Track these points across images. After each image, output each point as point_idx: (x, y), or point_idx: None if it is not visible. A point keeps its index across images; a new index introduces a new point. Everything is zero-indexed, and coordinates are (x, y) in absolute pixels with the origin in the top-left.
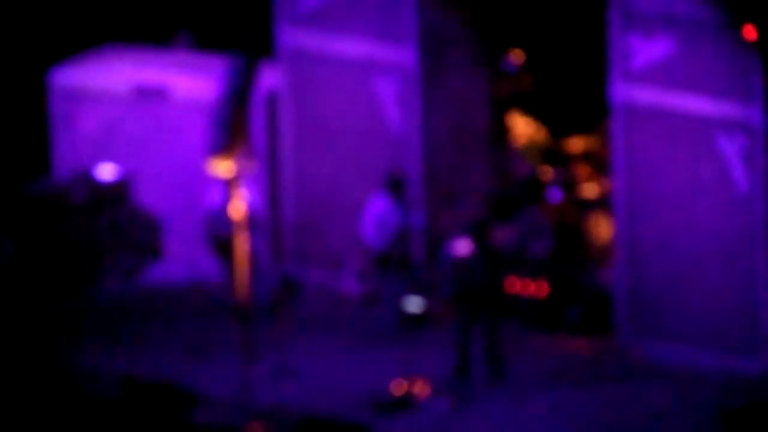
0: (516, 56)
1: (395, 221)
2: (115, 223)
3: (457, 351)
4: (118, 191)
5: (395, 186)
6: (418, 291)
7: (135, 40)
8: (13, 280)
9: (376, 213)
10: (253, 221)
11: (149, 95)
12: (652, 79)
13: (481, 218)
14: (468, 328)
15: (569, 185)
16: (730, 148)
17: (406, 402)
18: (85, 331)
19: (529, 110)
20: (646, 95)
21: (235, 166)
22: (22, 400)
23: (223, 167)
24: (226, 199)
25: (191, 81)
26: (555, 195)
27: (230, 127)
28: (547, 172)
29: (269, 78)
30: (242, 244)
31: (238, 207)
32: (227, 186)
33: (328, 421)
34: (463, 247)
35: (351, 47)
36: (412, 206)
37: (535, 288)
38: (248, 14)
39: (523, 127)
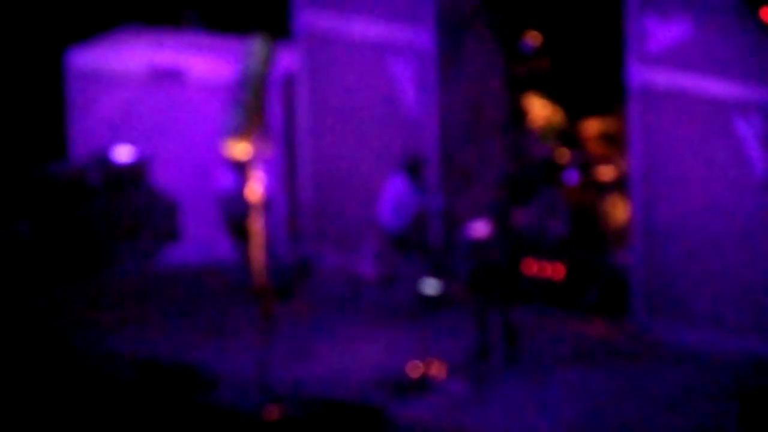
0: (533, 38)
1: (413, 203)
2: (131, 205)
3: (476, 333)
4: (134, 173)
5: (413, 168)
6: (435, 273)
7: (151, 22)
8: (29, 262)
9: (394, 195)
10: (267, 203)
11: (165, 77)
12: (669, 62)
13: (503, 199)
14: (485, 310)
15: (586, 167)
16: (747, 130)
17: (423, 384)
18: (102, 313)
19: (546, 92)
20: (662, 77)
21: (252, 149)
22: (37, 383)
23: (239, 149)
24: (240, 180)
25: (207, 62)
26: (572, 177)
27: (247, 109)
28: (564, 154)
29: (286, 60)
30: (257, 226)
31: (254, 189)
32: (240, 168)
33: (344, 403)
34: (481, 228)
35: (368, 29)
36: (429, 188)
37: (552, 270)
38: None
39: (539, 109)
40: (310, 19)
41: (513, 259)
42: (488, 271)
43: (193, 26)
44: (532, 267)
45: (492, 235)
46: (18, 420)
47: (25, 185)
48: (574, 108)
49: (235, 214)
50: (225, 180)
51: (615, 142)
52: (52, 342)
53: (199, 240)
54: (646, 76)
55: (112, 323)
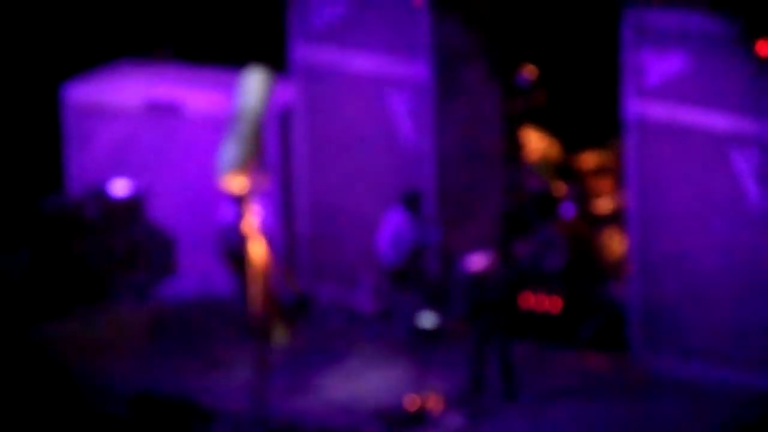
0: (529, 72)
1: (411, 237)
2: (128, 238)
3: (472, 366)
4: (131, 207)
5: (412, 202)
6: (432, 306)
7: (147, 55)
8: (27, 294)
9: (392, 229)
10: (266, 237)
11: (161, 111)
12: (666, 95)
13: (503, 232)
14: (482, 344)
15: (582, 200)
16: (744, 163)
17: (420, 417)
18: (99, 347)
19: (543, 125)
20: (659, 111)
21: (249, 182)
22: (33, 418)
23: (236, 183)
24: (239, 213)
25: (204, 96)
26: (568, 210)
27: (244, 143)
28: (561, 187)
29: (283, 93)
30: (254, 259)
31: (251, 222)
32: (239, 201)
33: None
34: (479, 261)
35: (364, 62)
36: (426, 222)
37: (549, 303)
38: (263, 30)
39: (536, 143)
40: (306, 53)
41: (511, 292)
42: (486, 305)
43: (169, 59)
44: (530, 300)
45: (491, 268)
46: None
47: (23, 218)
48: (571, 141)
49: (234, 246)
50: (226, 213)
51: (612, 175)
52: (50, 375)
53: (196, 274)
54: (642, 109)
55: (109, 357)
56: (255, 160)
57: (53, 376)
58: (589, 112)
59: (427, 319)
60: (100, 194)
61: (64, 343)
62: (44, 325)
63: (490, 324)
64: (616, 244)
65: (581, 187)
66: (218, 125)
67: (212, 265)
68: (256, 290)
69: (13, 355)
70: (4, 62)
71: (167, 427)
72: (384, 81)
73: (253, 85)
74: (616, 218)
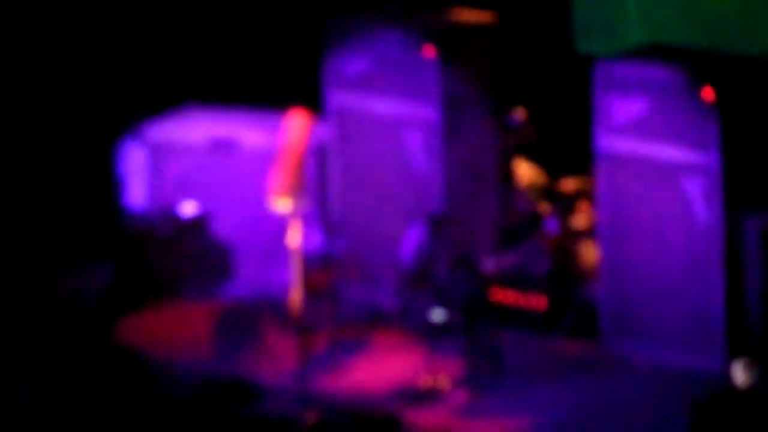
0: (519, 113)
1: (427, 250)
2: (194, 249)
3: (467, 352)
4: (196, 224)
5: (437, 224)
6: (440, 305)
7: (210, 99)
8: (113, 294)
9: (413, 242)
10: (308, 248)
11: (222, 147)
12: (629, 132)
13: (469, 249)
14: (471, 333)
15: (563, 217)
16: (693, 187)
17: (431, 394)
18: (170, 338)
19: (531, 156)
20: (624, 145)
21: (293, 204)
22: (115, 400)
23: (283, 205)
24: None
25: (257, 134)
26: (552, 226)
27: (289, 172)
28: (545, 207)
29: (320, 132)
30: (298, 266)
31: (295, 238)
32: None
33: (367, 410)
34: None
35: (385, 106)
36: (442, 239)
37: (536, 301)
38: (304, 80)
39: (525, 171)
40: (338, 99)
41: (482, 293)
42: (478, 301)
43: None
44: (520, 299)
45: (465, 275)
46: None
47: (108, 235)
48: (554, 169)
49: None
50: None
51: (586, 197)
52: (129, 362)
53: (249, 278)
54: (611, 143)
55: (179, 346)
56: (298, 186)
57: (132, 363)
58: (568, 146)
59: (437, 315)
60: (172, 214)
61: (142, 335)
62: (126, 320)
63: (472, 317)
64: (590, 253)
65: (562, 206)
66: (268, 158)
67: (263, 270)
68: (300, 290)
69: (101, 346)
70: (90, 106)
71: (226, 403)
72: (401, 122)
73: (296, 125)
74: (590, 232)
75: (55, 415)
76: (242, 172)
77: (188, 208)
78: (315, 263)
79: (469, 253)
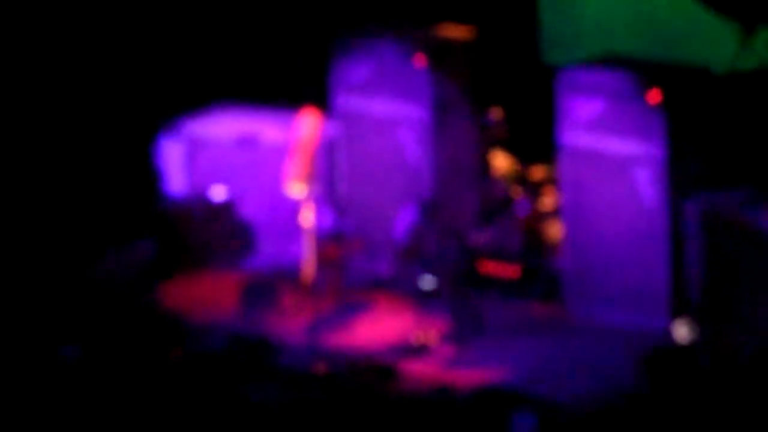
0: (495, 113)
1: (418, 227)
2: (222, 227)
3: (452, 313)
4: (224, 206)
5: (430, 208)
6: (430, 273)
7: (236, 100)
8: (155, 267)
9: (407, 221)
10: (319, 226)
11: (247, 141)
12: (588, 128)
13: (481, 222)
14: (456, 297)
15: (533, 200)
16: (641, 175)
17: (422, 348)
18: (203, 302)
19: (505, 149)
20: (583, 139)
21: (306, 189)
22: (155, 356)
23: (297, 188)
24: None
25: (276, 130)
26: (523, 207)
27: (303, 163)
28: (518, 192)
29: (329, 128)
30: (311, 241)
31: (308, 217)
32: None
33: (368, 362)
34: (457, 244)
35: (383, 108)
36: (433, 220)
37: (510, 271)
38: (315, 83)
39: (501, 161)
40: (344, 101)
41: (468, 263)
42: (462, 270)
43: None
44: (497, 269)
45: (454, 247)
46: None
47: (150, 215)
48: (524, 160)
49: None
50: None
51: (552, 183)
52: (167, 323)
53: (269, 251)
54: (573, 138)
55: (210, 309)
56: (311, 174)
57: (171, 324)
58: (536, 140)
59: (427, 282)
60: (204, 198)
61: (179, 300)
62: (165, 288)
63: (457, 284)
64: (555, 230)
65: (531, 191)
66: (285, 150)
67: (280, 245)
68: (312, 261)
69: (144, 310)
70: (137, 105)
71: (250, 357)
72: (396, 120)
73: (309, 123)
74: (555, 212)
75: (104, 370)
76: (264, 162)
77: (218, 193)
78: (325, 239)
79: (459, 229)
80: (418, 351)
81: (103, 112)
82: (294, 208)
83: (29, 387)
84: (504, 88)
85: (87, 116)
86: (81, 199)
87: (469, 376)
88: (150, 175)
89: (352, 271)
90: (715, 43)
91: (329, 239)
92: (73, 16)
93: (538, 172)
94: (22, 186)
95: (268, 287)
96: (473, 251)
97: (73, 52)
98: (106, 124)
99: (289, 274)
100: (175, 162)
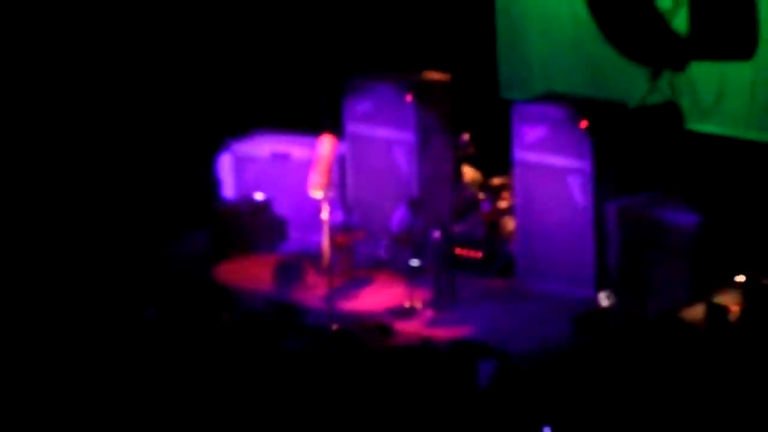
0: (465, 136)
1: (408, 221)
2: (262, 221)
3: (434, 285)
4: (264, 206)
5: (416, 204)
6: (418, 255)
7: (272, 125)
8: (208, 257)
9: (400, 216)
10: (333, 221)
11: (280, 157)
12: (535, 148)
13: (454, 219)
14: (436, 273)
15: (493, 201)
16: (574, 183)
17: (411, 311)
18: (248, 278)
19: (472, 164)
20: (532, 156)
21: (324, 193)
22: (210, 322)
23: (318, 193)
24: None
25: (301, 149)
26: (486, 206)
27: (322, 173)
28: (482, 195)
29: (341, 148)
30: (327, 232)
31: (325, 214)
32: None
33: (370, 321)
34: (437, 233)
35: (383, 132)
36: (419, 214)
37: (476, 254)
38: (330, 113)
39: (469, 173)
40: (353, 127)
41: (450, 248)
42: (442, 253)
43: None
44: (466, 252)
45: (441, 236)
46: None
47: (206, 213)
48: (487, 171)
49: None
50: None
51: (508, 188)
52: (219, 295)
53: (297, 239)
54: (524, 156)
55: (253, 282)
56: (327, 182)
57: (223, 294)
58: (496, 157)
59: (415, 262)
60: (248, 200)
61: (229, 276)
62: (218, 267)
63: (438, 263)
64: (510, 224)
65: (492, 194)
66: (309, 164)
67: (305, 235)
68: (328, 247)
69: (203, 284)
70: (202, 130)
71: (282, 318)
72: (392, 142)
73: (326, 144)
74: (511, 210)
75: (172, 328)
76: (293, 173)
77: (258, 196)
78: (337, 230)
79: (438, 222)
80: (408, 314)
81: (180, 135)
82: (315, 207)
83: (121, 336)
84: (472, 118)
85: (169, 139)
86: (160, 199)
87: (446, 333)
88: (209, 182)
89: (358, 254)
90: (630, 84)
91: (341, 230)
92: (169, 65)
93: (497, 180)
94: (120, 189)
95: (295, 266)
96: (449, 239)
97: (165, 94)
98: (181, 145)
99: (312, 257)
100: (227, 172)
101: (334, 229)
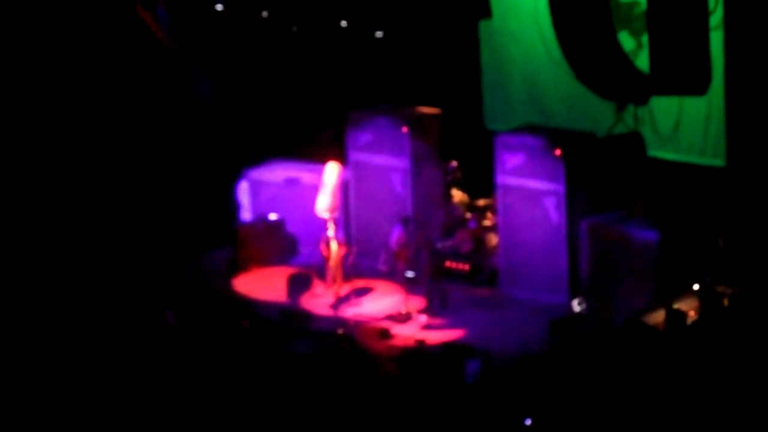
0: (454, 162)
1: (403, 238)
2: (277, 238)
3: (427, 294)
4: (278, 225)
5: (407, 222)
6: (413, 268)
7: (284, 155)
8: (232, 270)
9: (397, 233)
10: (338, 238)
11: (291, 182)
12: (515, 173)
13: (430, 237)
14: (430, 284)
15: (479, 219)
16: (550, 203)
17: (407, 317)
18: (261, 289)
19: (460, 187)
20: (512, 180)
21: (330, 213)
22: (230, 327)
23: (324, 214)
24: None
25: (310, 175)
26: (472, 225)
27: (328, 195)
28: (468, 215)
29: (345, 174)
30: (335, 246)
31: (331, 231)
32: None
33: (371, 326)
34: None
35: (381, 160)
36: (412, 231)
37: (464, 266)
38: (336, 144)
39: (457, 195)
40: (355, 156)
41: (438, 262)
42: (434, 266)
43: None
44: (456, 265)
45: (430, 251)
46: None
47: (230, 231)
48: (473, 193)
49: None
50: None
51: (491, 209)
52: (236, 304)
53: (306, 254)
54: (505, 180)
55: (267, 292)
56: (333, 204)
57: (241, 303)
58: (481, 181)
59: (410, 273)
60: (265, 219)
61: (246, 287)
62: (237, 279)
63: (430, 275)
64: (493, 240)
65: (478, 214)
66: (316, 188)
67: (313, 250)
68: (334, 261)
69: (223, 294)
70: (223, 161)
71: (294, 324)
72: (389, 168)
73: (332, 170)
74: (494, 228)
75: (191, 332)
76: (303, 196)
77: (273, 216)
78: (342, 245)
79: (430, 238)
80: (404, 319)
81: (206, 166)
82: (322, 226)
83: (145, 339)
84: (460, 147)
85: (196, 169)
86: (188, 220)
87: (437, 336)
88: (230, 205)
89: (359, 266)
90: (599, 116)
91: (345, 246)
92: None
93: (482, 201)
94: (154, 211)
95: (305, 278)
96: (440, 253)
97: (194, 132)
98: (206, 174)
99: (318, 269)
100: (245, 196)
101: (339, 245)
